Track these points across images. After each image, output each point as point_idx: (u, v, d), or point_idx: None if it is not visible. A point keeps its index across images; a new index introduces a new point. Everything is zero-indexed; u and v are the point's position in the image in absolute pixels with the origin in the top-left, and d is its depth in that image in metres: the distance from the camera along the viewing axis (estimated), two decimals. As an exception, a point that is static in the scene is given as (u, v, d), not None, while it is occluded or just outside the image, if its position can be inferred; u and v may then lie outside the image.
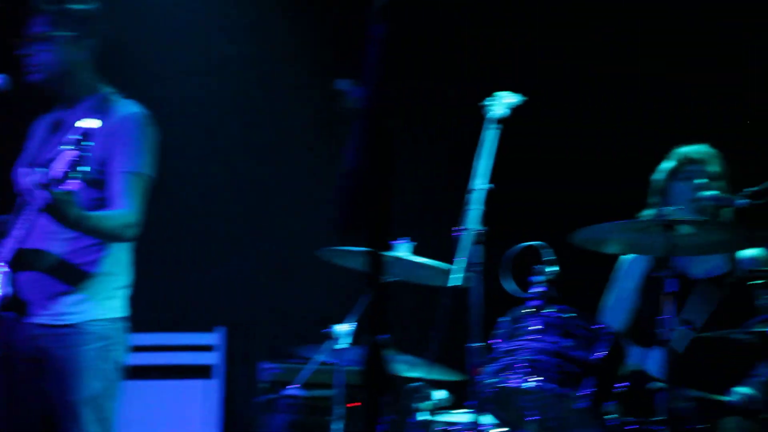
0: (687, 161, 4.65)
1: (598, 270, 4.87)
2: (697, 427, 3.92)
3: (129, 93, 4.11)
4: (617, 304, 4.77)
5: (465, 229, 3.79)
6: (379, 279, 1.98)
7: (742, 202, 4.18)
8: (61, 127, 4.07)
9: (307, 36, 6.32)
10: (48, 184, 3.57)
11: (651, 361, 4.48)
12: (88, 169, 3.53)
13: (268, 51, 6.37)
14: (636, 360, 4.53)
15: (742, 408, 4.31)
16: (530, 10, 6.07)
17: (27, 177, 3.96)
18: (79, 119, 3.68)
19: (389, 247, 4.15)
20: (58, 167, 3.53)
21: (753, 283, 3.61)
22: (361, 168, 1.91)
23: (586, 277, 4.82)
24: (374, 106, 1.89)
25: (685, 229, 3.92)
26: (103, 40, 4.06)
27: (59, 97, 4.11)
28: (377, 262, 1.98)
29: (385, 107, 1.88)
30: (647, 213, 4.64)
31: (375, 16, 1.91)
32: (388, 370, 2.01)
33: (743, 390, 4.37)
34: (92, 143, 3.53)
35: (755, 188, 4.16)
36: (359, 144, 1.91)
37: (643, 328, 4.59)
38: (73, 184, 3.54)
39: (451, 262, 3.86)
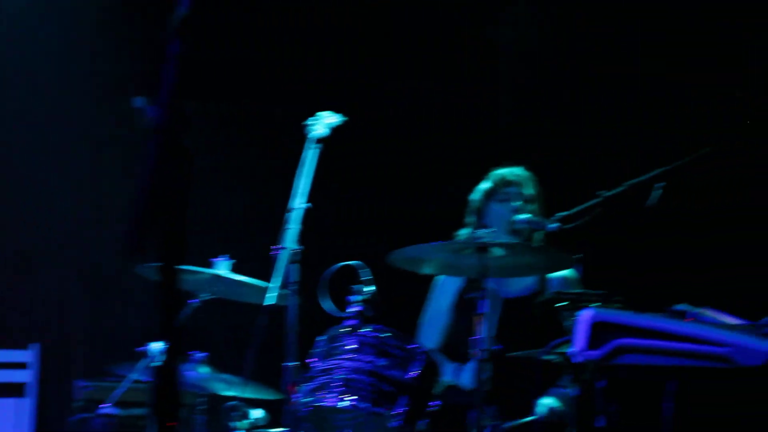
0: (503, 183, 4.71)
1: (416, 289, 4.90)
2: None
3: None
4: (432, 323, 4.79)
5: (283, 248, 3.75)
6: (170, 298, 1.91)
7: (553, 225, 4.25)
8: None
9: (106, 52, 6.17)
10: None
11: (465, 379, 4.53)
12: None
13: (68, 66, 6.19)
14: (450, 377, 4.56)
15: (547, 421, 4.38)
16: (350, 31, 6.07)
17: None
18: None
19: (188, 264, 4.07)
20: None
21: (560, 305, 3.67)
22: (153, 186, 1.85)
23: (404, 297, 4.84)
24: (169, 124, 1.84)
25: (498, 251, 3.97)
26: None
27: None
28: (170, 280, 1.91)
29: (180, 125, 1.83)
30: (463, 233, 4.68)
31: (171, 33, 1.86)
32: (178, 392, 1.93)
33: (548, 402, 4.44)
34: None
35: (566, 213, 4.24)
36: (153, 162, 1.85)
37: (457, 346, 4.63)
38: None
39: (269, 280, 3.80)
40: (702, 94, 5.16)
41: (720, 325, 2.80)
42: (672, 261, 4.42)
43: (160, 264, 1.93)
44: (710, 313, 3.03)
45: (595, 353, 2.78)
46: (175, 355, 1.92)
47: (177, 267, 1.93)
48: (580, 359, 2.79)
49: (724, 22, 5.40)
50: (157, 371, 1.96)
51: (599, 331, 2.80)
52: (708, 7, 5.43)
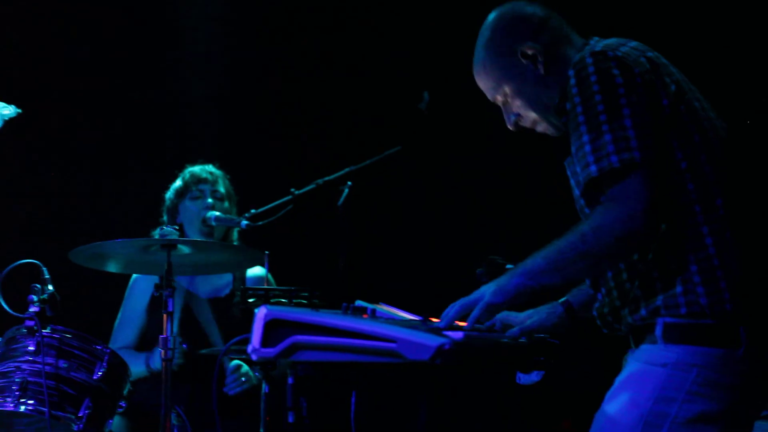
0: (196, 180, 4.50)
1: (102, 288, 4.60)
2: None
3: None
4: (126, 322, 4.52)
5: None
6: None
7: (245, 222, 4.09)
8: None
9: None
10: None
11: (154, 359, 4.26)
12: None
13: None
14: (142, 366, 4.27)
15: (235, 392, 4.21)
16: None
17: None
18: None
19: None
20: None
21: (251, 301, 3.51)
22: None
23: (89, 296, 4.54)
24: None
25: (184, 249, 3.77)
26: None
27: None
28: None
29: None
30: (157, 231, 4.43)
31: None
32: None
33: (235, 365, 4.26)
34: None
35: (257, 210, 4.10)
36: None
37: (151, 345, 4.37)
38: None
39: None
40: (391, 95, 5.17)
41: (391, 321, 2.69)
42: (359, 258, 4.35)
43: None
44: (386, 309, 2.94)
45: (270, 351, 2.60)
46: None
47: None
48: (255, 357, 2.60)
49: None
50: None
51: (275, 328, 2.62)
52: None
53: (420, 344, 2.51)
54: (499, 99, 2.79)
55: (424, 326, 2.67)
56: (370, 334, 2.57)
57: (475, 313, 2.58)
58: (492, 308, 2.57)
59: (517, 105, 2.76)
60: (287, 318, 2.64)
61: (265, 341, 2.62)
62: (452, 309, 2.66)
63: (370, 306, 2.92)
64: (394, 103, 4.79)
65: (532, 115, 2.76)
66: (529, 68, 2.71)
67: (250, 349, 2.62)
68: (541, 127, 2.79)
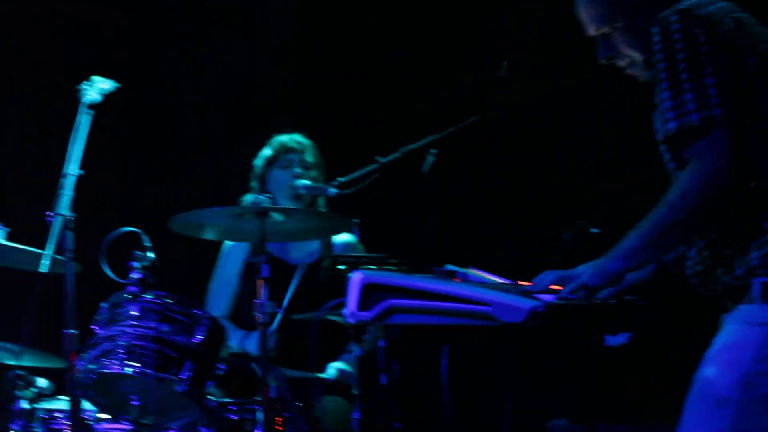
0: (284, 150, 4.59)
1: (199, 255, 4.71)
2: (294, 404, 3.86)
3: None
4: (220, 290, 4.64)
5: (57, 215, 3.47)
6: None
7: (332, 191, 4.15)
8: None
9: None
10: None
11: (251, 343, 4.39)
12: None
13: None
14: (237, 343, 4.42)
15: (336, 383, 4.31)
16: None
17: None
18: None
19: None
20: None
21: (341, 268, 3.57)
22: None
23: (187, 263, 4.65)
24: None
25: (277, 217, 3.83)
26: None
27: None
28: None
29: None
30: (247, 198, 4.54)
31: None
32: None
33: (337, 365, 4.38)
34: None
35: (345, 178, 4.15)
36: None
37: (244, 312, 4.48)
38: None
39: (44, 247, 3.52)
40: (471, 64, 5.17)
41: (484, 284, 2.74)
42: (445, 225, 4.39)
43: None
44: (476, 273, 2.99)
45: (367, 314, 2.69)
46: None
47: None
48: (352, 320, 2.68)
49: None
50: None
51: (370, 293, 2.70)
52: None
53: (514, 307, 2.57)
54: (603, 31, 2.77)
55: (516, 290, 2.72)
56: (465, 297, 2.63)
57: (570, 286, 2.62)
58: (588, 289, 2.61)
59: (621, 41, 2.75)
60: (382, 282, 2.71)
61: (362, 305, 2.70)
62: (547, 277, 2.70)
63: (460, 270, 2.96)
64: (475, 71, 4.80)
65: (634, 55, 2.75)
66: (647, 6, 2.71)
67: (347, 312, 2.70)
68: (635, 70, 2.78)
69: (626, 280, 2.94)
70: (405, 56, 5.61)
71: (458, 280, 2.88)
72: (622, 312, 2.80)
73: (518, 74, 3.99)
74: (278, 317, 3.96)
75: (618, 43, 2.75)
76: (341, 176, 4.18)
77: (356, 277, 2.70)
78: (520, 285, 2.80)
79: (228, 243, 4.63)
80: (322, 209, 4.59)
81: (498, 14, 5.38)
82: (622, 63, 2.79)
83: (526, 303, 2.57)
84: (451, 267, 2.97)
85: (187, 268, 4.88)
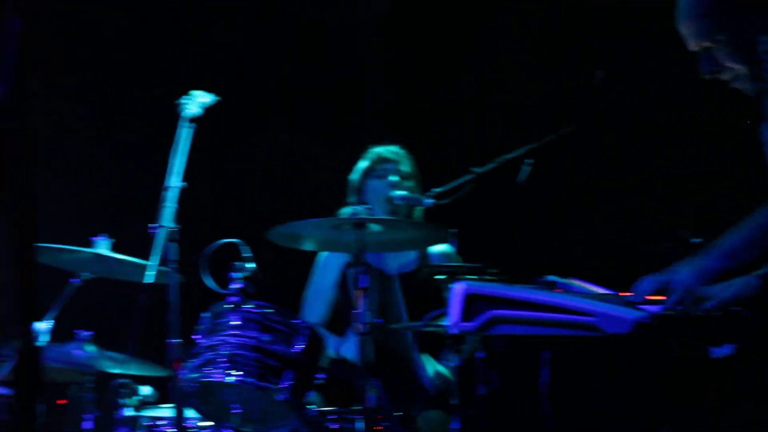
0: (380, 160, 4.60)
1: (297, 266, 4.74)
2: (393, 414, 3.86)
3: None
4: (316, 298, 4.66)
5: (160, 226, 3.53)
6: (26, 275, 1.72)
7: (429, 201, 4.15)
8: None
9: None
10: None
11: (348, 351, 4.41)
12: None
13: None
14: (334, 351, 4.43)
15: (434, 393, 4.30)
16: (224, 11, 5.85)
17: None
18: None
19: (38, 241, 3.84)
20: None
21: (439, 278, 3.57)
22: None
23: (285, 274, 4.68)
24: (11, 102, 1.65)
25: (375, 227, 3.84)
26: None
27: None
28: (25, 259, 1.72)
29: (22, 101, 1.64)
30: (345, 210, 4.55)
31: (10, 10, 1.68)
32: (39, 371, 1.75)
33: (435, 367, 4.36)
34: None
35: (441, 189, 4.15)
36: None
37: (341, 320, 4.50)
38: None
39: (148, 258, 3.59)
40: (565, 73, 5.13)
41: (587, 295, 2.71)
42: (542, 235, 4.37)
43: (15, 245, 1.73)
44: (578, 284, 2.96)
45: (470, 325, 2.67)
46: (32, 337, 1.73)
47: (32, 246, 1.73)
48: (455, 331, 2.67)
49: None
50: (20, 353, 1.76)
51: (473, 303, 2.68)
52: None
53: (619, 318, 2.53)
54: (705, 45, 2.72)
55: (619, 300, 2.68)
56: (568, 307, 2.60)
57: (676, 295, 2.57)
58: (693, 294, 2.57)
59: (724, 55, 2.70)
60: (485, 293, 2.70)
61: (465, 316, 2.69)
62: (644, 284, 2.66)
63: (561, 281, 2.94)
64: (571, 80, 4.76)
65: (738, 68, 2.70)
66: (754, 22, 2.65)
67: (450, 323, 2.69)
68: (740, 83, 2.73)
69: (733, 292, 2.88)
70: (500, 66, 5.59)
71: (560, 290, 2.86)
72: (728, 323, 2.75)
73: (614, 82, 3.95)
74: (377, 327, 3.96)
75: (721, 57, 2.70)
76: (437, 187, 4.19)
77: (459, 288, 2.68)
78: (623, 296, 2.76)
79: (324, 253, 4.65)
80: (418, 220, 4.59)
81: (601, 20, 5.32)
82: (725, 77, 2.74)
83: (631, 314, 2.54)
84: (552, 277, 2.95)
85: (280, 276, 4.91)
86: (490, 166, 4.12)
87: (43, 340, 4.14)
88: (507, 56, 5.59)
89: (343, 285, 4.57)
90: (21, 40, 1.65)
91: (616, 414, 4.08)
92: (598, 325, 2.55)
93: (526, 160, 4.00)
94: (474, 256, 3.88)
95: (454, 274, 3.56)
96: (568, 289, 2.84)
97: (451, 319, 2.68)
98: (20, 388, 1.76)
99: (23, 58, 1.65)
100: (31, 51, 1.65)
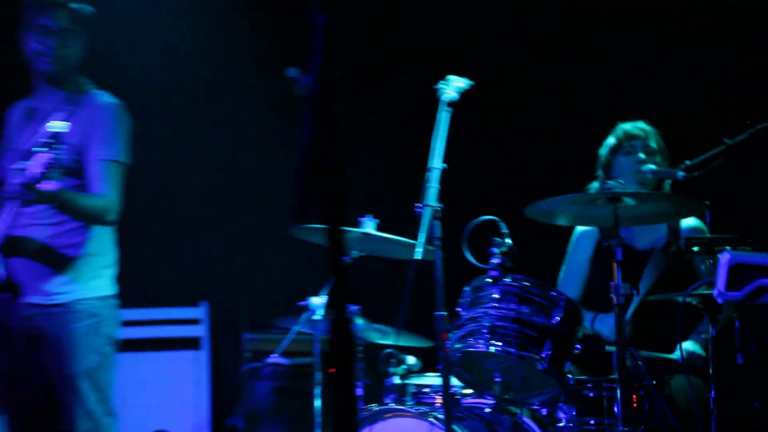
0: (628, 137, 4.59)
1: (553, 240, 4.80)
2: (647, 383, 3.87)
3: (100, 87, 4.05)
4: (571, 274, 4.71)
5: (425, 206, 3.68)
6: (338, 255, 1.89)
7: (680, 174, 4.12)
8: (35, 115, 3.97)
9: (260, 28, 6.17)
10: (29, 185, 3.51)
11: (604, 324, 4.44)
12: (62, 170, 3.53)
13: (225, 44, 6.22)
14: (588, 324, 4.48)
15: (687, 363, 4.28)
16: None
17: (8, 169, 3.85)
18: (53, 108, 3.71)
19: (347, 224, 4.06)
20: (35, 168, 3.47)
21: (692, 251, 3.53)
22: (311, 151, 1.83)
23: (541, 247, 4.75)
24: (321, 92, 1.82)
25: (628, 201, 3.84)
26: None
27: (43, 87, 3.98)
28: (336, 240, 1.88)
29: (331, 93, 1.81)
30: (594, 186, 4.59)
31: (316, 5, 1.84)
32: (352, 341, 1.91)
33: (688, 346, 4.34)
34: (64, 146, 3.52)
35: (691, 162, 4.10)
36: (309, 128, 1.83)
37: (596, 295, 4.53)
38: (50, 184, 3.50)
39: (412, 236, 3.76)
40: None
41: None
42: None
43: (325, 225, 1.91)
44: None
45: (736, 294, 2.68)
46: (345, 309, 1.89)
47: (341, 227, 1.90)
48: (720, 300, 2.69)
49: None
50: (332, 324, 1.92)
51: (738, 273, 2.69)
52: None
53: None
54: None
55: None
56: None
57: None
58: None
59: None
60: (750, 262, 2.70)
61: (730, 285, 2.70)
62: None
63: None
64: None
65: None
66: None
67: (715, 292, 2.71)
68: None
69: None
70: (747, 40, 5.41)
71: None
72: None
73: None
74: (635, 300, 3.97)
75: None
76: (688, 159, 4.14)
77: (724, 258, 2.70)
78: None
79: (578, 230, 4.69)
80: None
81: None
82: None
83: None
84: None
85: (539, 253, 4.97)
86: (742, 136, 4.04)
87: (319, 314, 4.43)
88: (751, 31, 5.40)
89: (597, 260, 4.60)
90: (326, 35, 1.79)
91: None
92: None
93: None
94: (723, 229, 3.81)
95: (710, 246, 3.52)
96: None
97: (717, 289, 2.70)
98: (336, 358, 1.89)
99: (329, 52, 1.80)
100: (336, 45, 1.80)
